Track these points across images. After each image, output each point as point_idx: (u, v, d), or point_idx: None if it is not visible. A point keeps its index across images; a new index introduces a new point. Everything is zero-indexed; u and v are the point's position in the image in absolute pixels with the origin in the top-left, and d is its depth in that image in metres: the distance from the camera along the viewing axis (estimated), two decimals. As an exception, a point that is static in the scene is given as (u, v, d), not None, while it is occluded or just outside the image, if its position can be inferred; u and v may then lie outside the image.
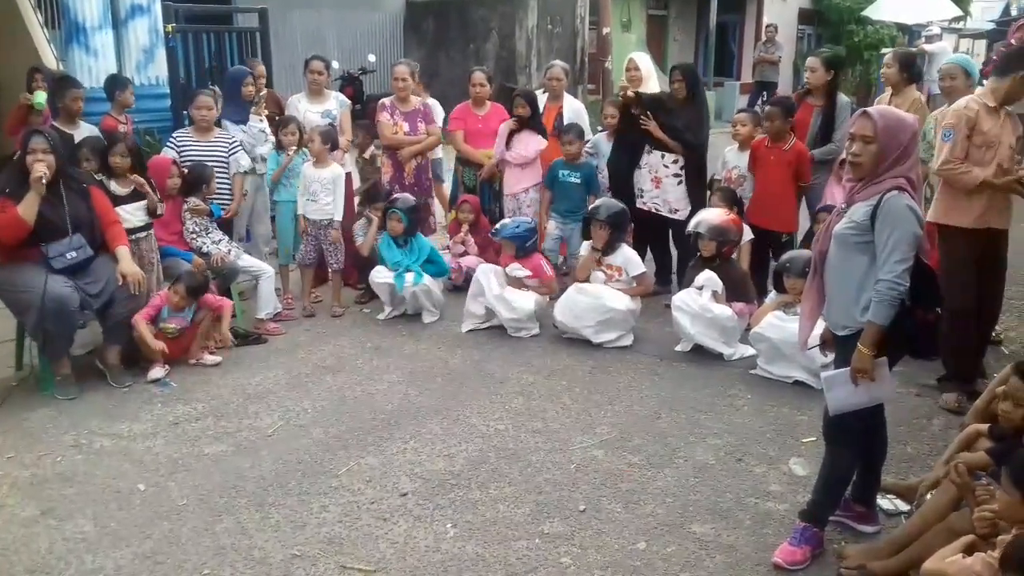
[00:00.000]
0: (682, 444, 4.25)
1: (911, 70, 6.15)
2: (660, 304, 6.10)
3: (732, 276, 5.49)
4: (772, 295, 5.18)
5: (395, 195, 6.34)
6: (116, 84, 6.99)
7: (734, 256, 5.67)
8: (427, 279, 6.06)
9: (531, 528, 3.53)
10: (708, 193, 6.38)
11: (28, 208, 4.61)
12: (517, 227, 5.97)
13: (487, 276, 5.84)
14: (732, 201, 5.94)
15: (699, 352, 5.42)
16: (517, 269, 5.88)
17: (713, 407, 4.68)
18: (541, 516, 3.61)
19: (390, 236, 6.15)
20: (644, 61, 6.99)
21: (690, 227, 5.63)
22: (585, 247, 5.88)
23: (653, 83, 6.92)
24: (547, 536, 3.47)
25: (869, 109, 3.15)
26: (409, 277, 6.01)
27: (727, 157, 6.39)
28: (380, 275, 6.11)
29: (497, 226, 6.18)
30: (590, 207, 5.88)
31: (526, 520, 3.58)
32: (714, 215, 5.57)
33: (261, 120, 6.76)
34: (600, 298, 5.53)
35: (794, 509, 3.50)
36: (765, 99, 7.24)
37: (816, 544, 3.31)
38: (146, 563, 3.29)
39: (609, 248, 5.67)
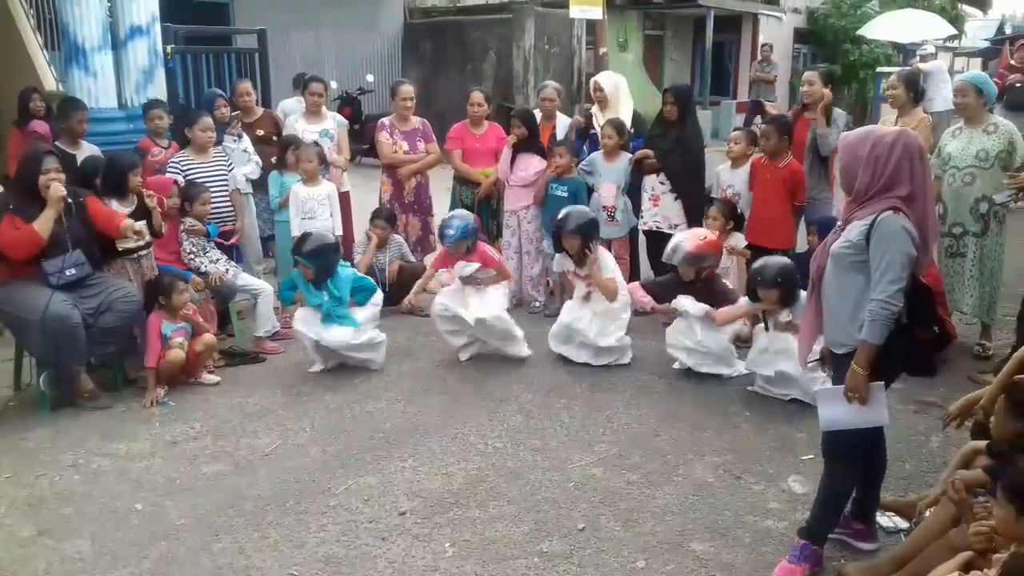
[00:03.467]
0: (681, 462, 4.25)
1: (916, 90, 6.19)
2: (658, 322, 6.11)
3: (715, 294, 5.40)
4: (745, 300, 5.13)
5: (300, 237, 5.63)
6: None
7: (718, 271, 5.63)
8: (357, 328, 5.43)
9: (530, 547, 3.52)
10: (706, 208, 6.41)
11: (44, 224, 4.68)
12: (466, 225, 5.67)
13: (454, 304, 5.58)
14: (731, 215, 5.97)
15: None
16: (465, 267, 5.67)
17: (712, 425, 4.68)
18: (540, 535, 3.60)
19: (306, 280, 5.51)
20: (608, 81, 7.05)
21: (665, 255, 5.50)
22: (558, 261, 5.84)
23: (625, 102, 6.95)
24: (546, 555, 3.46)
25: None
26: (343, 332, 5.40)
27: (721, 176, 6.43)
28: (302, 323, 5.44)
29: (442, 231, 5.76)
30: (558, 217, 5.68)
31: (525, 539, 3.58)
32: (690, 241, 5.40)
33: (235, 140, 6.76)
34: (591, 338, 5.47)
35: (793, 527, 3.50)
36: (764, 119, 7.30)
37: (815, 562, 3.30)
38: (144, 583, 3.29)
39: (582, 257, 5.56)
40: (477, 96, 7.07)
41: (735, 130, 6.72)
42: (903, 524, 3.61)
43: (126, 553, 3.49)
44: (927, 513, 3.39)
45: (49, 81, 9.52)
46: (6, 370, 5.21)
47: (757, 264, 5.04)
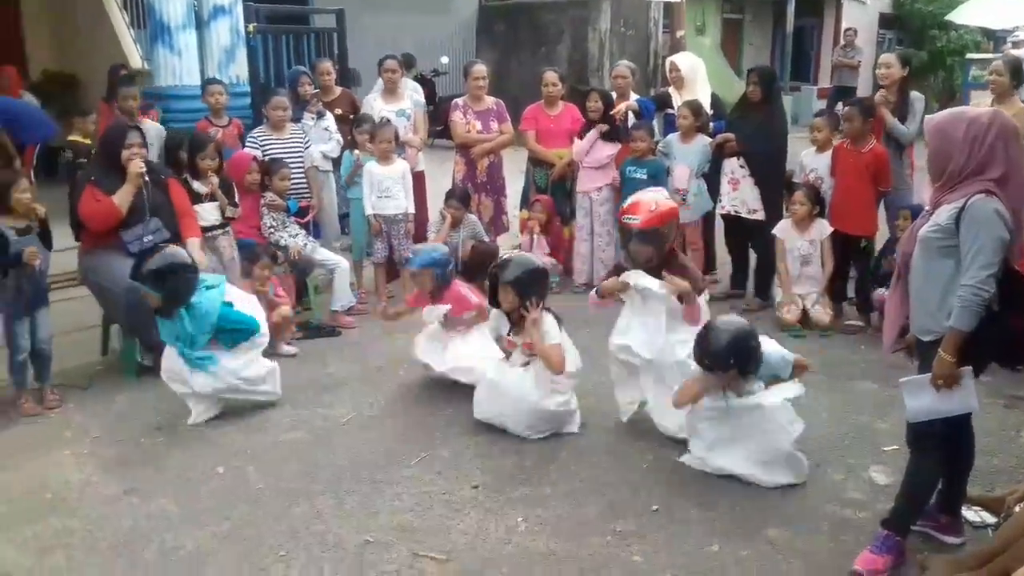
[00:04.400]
0: (757, 448, 4.16)
1: (1020, 77, 5.97)
2: (738, 309, 6.01)
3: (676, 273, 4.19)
4: (696, 369, 3.86)
5: (142, 256, 4.50)
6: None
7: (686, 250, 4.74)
8: (222, 374, 4.39)
9: (603, 525, 3.50)
10: (785, 194, 6.28)
11: (124, 199, 4.83)
12: (434, 251, 5.00)
13: (429, 352, 4.88)
14: (815, 200, 5.83)
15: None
16: (432, 311, 4.86)
17: (788, 412, 4.58)
18: (613, 514, 3.58)
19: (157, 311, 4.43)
20: (685, 61, 6.93)
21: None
22: (492, 324, 4.69)
23: (702, 85, 6.81)
24: (619, 534, 3.44)
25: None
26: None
27: (804, 161, 6.27)
28: (170, 372, 4.45)
29: (410, 253, 5.27)
30: (499, 262, 4.51)
31: (597, 517, 3.56)
32: (642, 215, 4.13)
33: (314, 118, 6.80)
34: (531, 401, 4.24)
35: (875, 518, 3.41)
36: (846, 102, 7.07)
37: (898, 553, 3.21)
38: (224, 543, 3.38)
39: (518, 318, 4.30)
40: (551, 76, 7.03)
41: (816, 115, 6.55)
42: (990, 519, 3.49)
43: (208, 514, 3.59)
44: (1016, 509, 3.26)
45: (135, 59, 9.79)
46: (94, 336, 5.38)
47: (702, 330, 3.83)
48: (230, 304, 4.47)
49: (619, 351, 4.30)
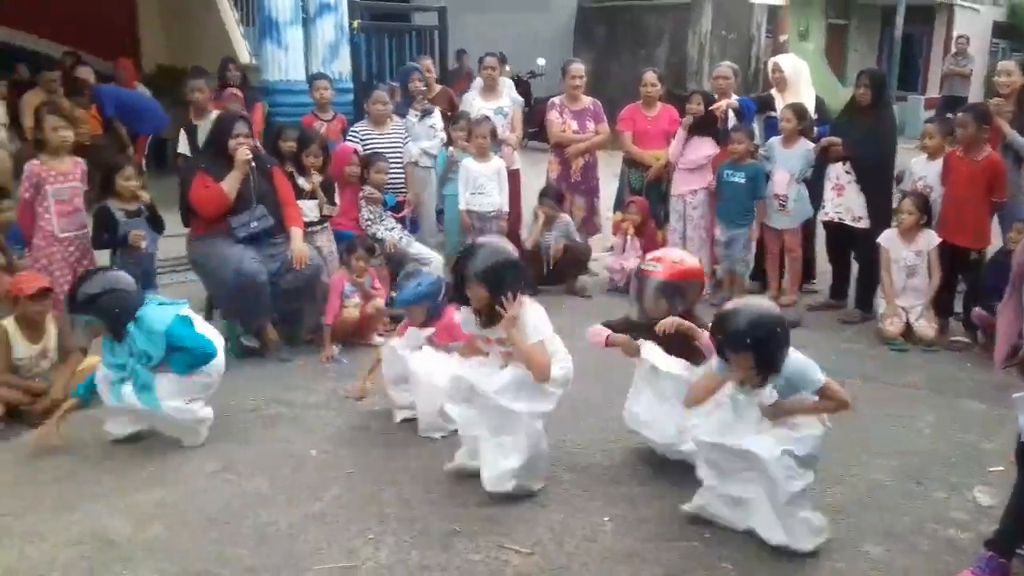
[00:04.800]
0: (854, 462, 4.01)
1: None
2: (834, 320, 5.83)
3: (691, 347, 3.79)
4: (716, 363, 3.41)
5: (74, 286, 4.13)
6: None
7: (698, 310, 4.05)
8: (169, 403, 3.99)
9: (690, 530, 3.44)
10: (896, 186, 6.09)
11: (232, 184, 5.01)
12: (419, 285, 4.48)
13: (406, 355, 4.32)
14: (924, 209, 5.62)
15: (871, 367, 5.13)
16: (417, 335, 4.40)
17: (889, 427, 4.42)
18: (701, 519, 3.50)
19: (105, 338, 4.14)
20: (788, 63, 6.74)
21: (632, 285, 4.08)
22: (464, 318, 3.81)
23: (806, 88, 6.62)
24: (707, 540, 3.37)
25: None
26: (127, 390, 3.99)
27: (913, 168, 6.05)
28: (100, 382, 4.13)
29: (394, 292, 5.04)
30: (462, 251, 3.86)
31: (685, 521, 3.50)
32: (666, 265, 3.88)
33: (419, 116, 6.82)
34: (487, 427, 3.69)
35: (979, 538, 3.25)
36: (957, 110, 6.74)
37: (1002, 575, 3.06)
38: (316, 523, 3.45)
39: (491, 314, 3.59)
40: (650, 76, 6.96)
41: (927, 122, 6.31)
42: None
43: (300, 494, 3.67)
44: None
45: (243, 54, 10.12)
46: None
47: (722, 311, 3.36)
48: (188, 320, 4.11)
49: (630, 420, 4.02)
